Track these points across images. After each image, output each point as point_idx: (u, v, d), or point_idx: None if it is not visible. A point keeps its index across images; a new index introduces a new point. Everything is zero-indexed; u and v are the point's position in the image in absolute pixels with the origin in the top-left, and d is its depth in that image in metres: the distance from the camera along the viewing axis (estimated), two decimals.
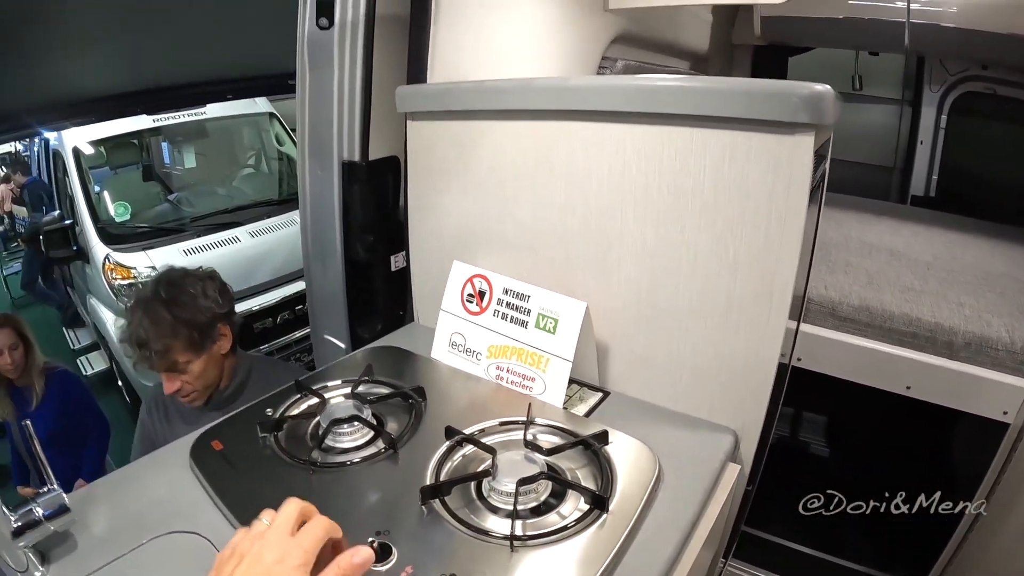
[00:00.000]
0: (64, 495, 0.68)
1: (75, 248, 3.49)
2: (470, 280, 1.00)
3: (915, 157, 3.67)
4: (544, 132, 0.93)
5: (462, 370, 1.01)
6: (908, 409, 1.67)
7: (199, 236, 3.33)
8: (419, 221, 1.14)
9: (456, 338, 1.02)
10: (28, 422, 0.76)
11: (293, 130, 4.02)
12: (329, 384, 0.98)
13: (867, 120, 3.91)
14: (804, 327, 1.68)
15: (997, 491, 1.60)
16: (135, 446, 1.50)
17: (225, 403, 1.34)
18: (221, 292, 1.35)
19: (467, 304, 1.01)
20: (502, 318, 0.97)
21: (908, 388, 1.67)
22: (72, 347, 4.34)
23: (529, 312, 0.94)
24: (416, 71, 1.12)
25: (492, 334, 0.98)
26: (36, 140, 4.97)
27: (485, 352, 0.98)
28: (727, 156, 0.81)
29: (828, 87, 0.76)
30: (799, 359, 1.71)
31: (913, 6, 2.53)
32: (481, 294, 0.99)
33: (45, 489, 0.69)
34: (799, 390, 1.69)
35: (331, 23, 1.16)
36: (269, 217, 3.53)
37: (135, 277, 3.23)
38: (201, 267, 1.39)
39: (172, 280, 1.29)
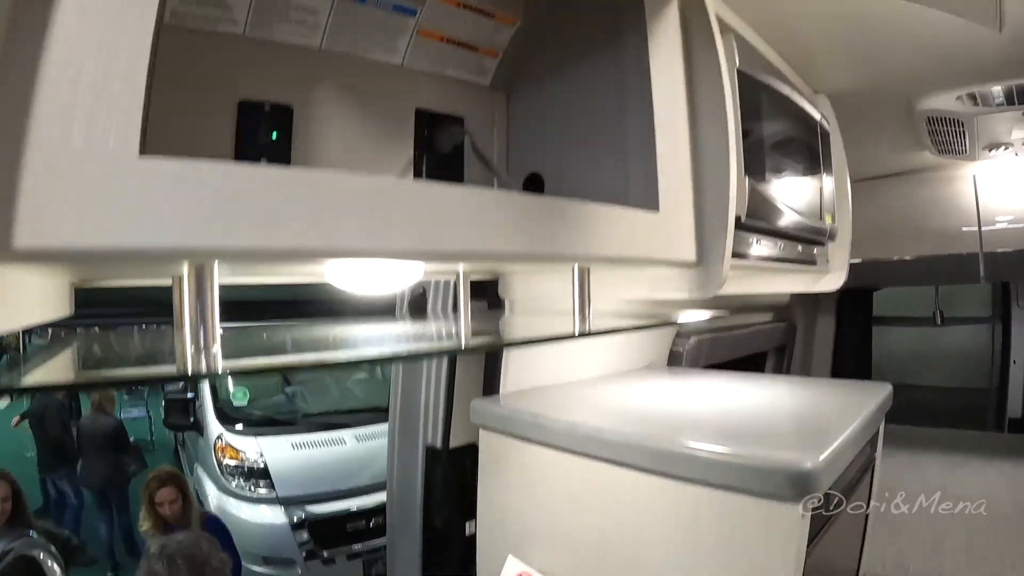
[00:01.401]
0: None
1: (192, 420, 3.86)
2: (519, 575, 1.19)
3: (1009, 378, 3.52)
4: (587, 467, 1.13)
5: None
6: None
7: (308, 432, 3.61)
8: (486, 511, 1.34)
9: None
10: None
11: None
12: None
13: (957, 342, 3.88)
14: None
15: None
16: None
17: None
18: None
19: None
20: None
21: None
22: None
23: None
24: (491, 379, 1.38)
25: None
26: None
27: None
28: (729, 513, 0.98)
29: (818, 460, 0.94)
30: None
31: (986, 229, 2.55)
32: None
33: None
34: None
35: None
36: (375, 424, 3.75)
37: (243, 460, 3.52)
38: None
39: (182, 552, 1.44)
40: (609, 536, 1.12)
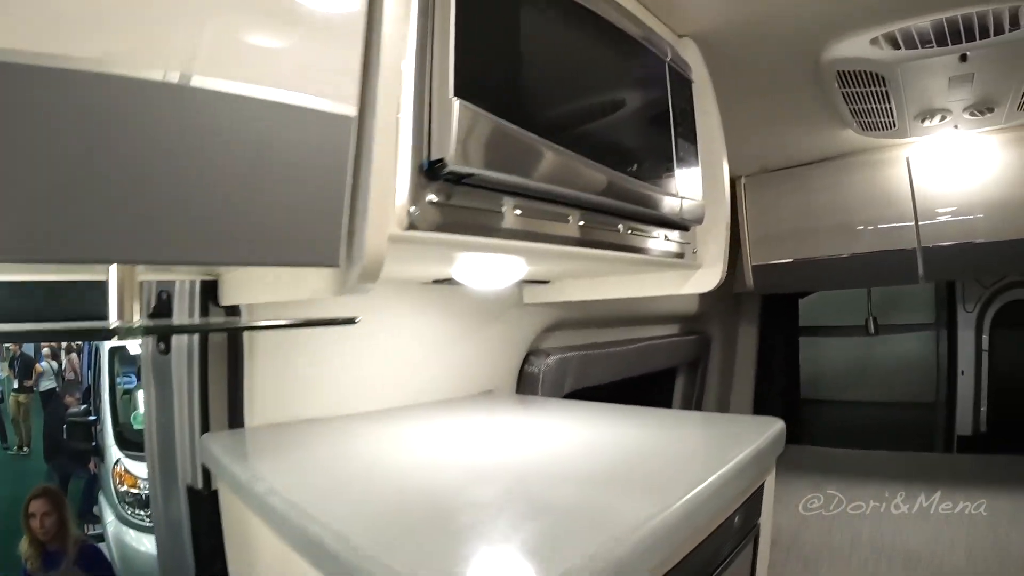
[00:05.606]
0: None
1: (94, 444, 3.55)
2: None
3: (957, 391, 3.22)
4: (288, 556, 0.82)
5: None
6: None
7: None
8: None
9: None
10: None
11: None
12: None
13: (898, 352, 3.57)
14: None
15: None
16: None
17: None
18: None
19: None
20: None
21: None
22: None
23: None
24: (235, 402, 1.08)
25: None
26: None
27: None
28: None
29: None
30: None
31: (924, 223, 2.20)
32: None
33: None
34: None
35: (168, 349, 1.17)
36: None
37: (140, 488, 3.22)
38: None
39: None
40: None
